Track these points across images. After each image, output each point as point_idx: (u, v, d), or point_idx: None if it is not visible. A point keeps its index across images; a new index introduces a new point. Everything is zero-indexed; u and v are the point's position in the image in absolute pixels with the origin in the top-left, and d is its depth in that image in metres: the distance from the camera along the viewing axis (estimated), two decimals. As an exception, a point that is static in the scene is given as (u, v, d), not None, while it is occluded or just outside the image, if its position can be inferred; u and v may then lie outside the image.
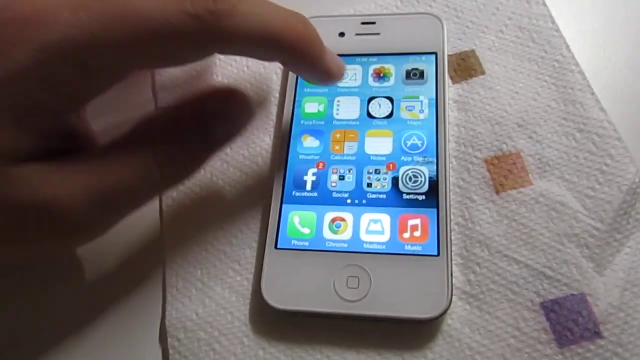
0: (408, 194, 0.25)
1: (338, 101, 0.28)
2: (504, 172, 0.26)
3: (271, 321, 0.24)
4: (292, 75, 0.29)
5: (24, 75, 0.19)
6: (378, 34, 0.29)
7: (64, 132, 0.22)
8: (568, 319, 0.23)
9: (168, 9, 0.19)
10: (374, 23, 0.29)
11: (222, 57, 0.32)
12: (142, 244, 0.27)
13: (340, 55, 0.29)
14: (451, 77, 0.29)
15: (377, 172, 0.26)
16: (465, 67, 0.29)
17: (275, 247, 0.25)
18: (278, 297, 0.24)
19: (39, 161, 0.20)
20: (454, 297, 0.23)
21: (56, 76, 0.19)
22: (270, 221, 0.25)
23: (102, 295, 0.26)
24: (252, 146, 0.29)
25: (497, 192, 0.26)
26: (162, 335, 0.25)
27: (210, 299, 0.25)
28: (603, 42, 0.30)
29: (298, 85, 0.29)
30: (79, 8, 0.19)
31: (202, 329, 0.25)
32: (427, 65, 0.28)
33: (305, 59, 0.23)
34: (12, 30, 0.19)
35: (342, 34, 0.29)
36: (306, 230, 0.25)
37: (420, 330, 0.23)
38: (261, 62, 0.31)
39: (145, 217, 0.27)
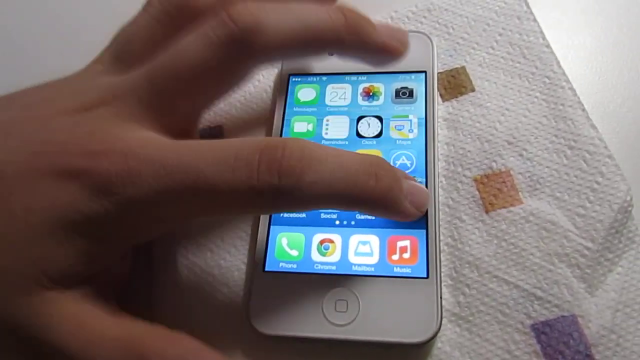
0: (397, 214, 0.25)
1: (327, 120, 0.28)
2: (494, 191, 0.26)
3: (259, 347, 0.24)
4: (281, 94, 0.29)
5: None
6: (367, 52, 0.29)
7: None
8: (559, 341, 0.23)
9: (236, 184, 0.19)
10: (363, 41, 0.29)
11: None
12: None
13: (328, 74, 0.29)
14: (441, 95, 0.29)
15: (366, 192, 0.26)
16: (455, 84, 0.29)
17: (263, 270, 0.25)
18: (266, 322, 0.23)
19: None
20: (443, 319, 0.23)
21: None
22: (258, 243, 0.25)
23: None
24: (242, 166, 0.29)
25: (487, 212, 0.25)
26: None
27: (196, 323, 0.25)
28: (594, 59, 0.29)
29: (287, 104, 0.29)
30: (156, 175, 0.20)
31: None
32: (416, 84, 0.28)
33: (379, 211, 0.23)
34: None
35: (331, 53, 0.29)
36: (294, 252, 0.25)
37: (410, 355, 0.23)
38: (251, 80, 0.31)
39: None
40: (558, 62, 0.28)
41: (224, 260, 0.27)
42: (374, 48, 0.24)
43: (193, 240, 0.27)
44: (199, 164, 0.20)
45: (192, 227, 0.27)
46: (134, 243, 0.23)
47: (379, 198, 0.21)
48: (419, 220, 0.24)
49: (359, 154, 0.22)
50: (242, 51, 0.22)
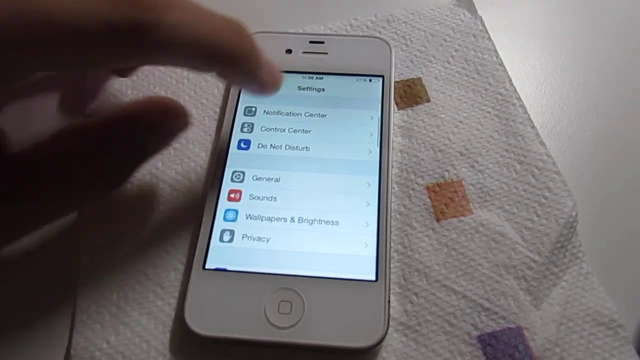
0: (348, 217, 0.24)
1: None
2: (445, 199, 0.26)
3: (193, 350, 0.22)
4: (233, 91, 0.28)
5: None
6: (326, 53, 0.29)
7: None
8: (505, 354, 0.22)
9: (84, 15, 0.17)
10: (322, 43, 0.29)
11: (162, 67, 0.30)
12: (52, 261, 0.25)
13: (286, 72, 0.28)
14: (397, 103, 0.28)
15: (316, 193, 0.25)
16: (411, 94, 0.29)
17: (203, 268, 0.23)
18: (202, 323, 0.22)
19: None
20: (390, 328, 0.22)
21: None
22: (199, 240, 0.24)
23: None
24: (187, 161, 0.27)
25: (438, 220, 0.25)
26: (67, 366, 0.23)
27: (125, 325, 0.23)
28: (543, 80, 0.30)
29: (240, 101, 0.28)
30: None
31: None
32: (373, 87, 0.27)
33: (240, 71, 0.21)
34: None
35: (289, 51, 0.29)
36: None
37: (354, 362, 0.22)
38: (202, 75, 0.30)
39: (58, 231, 0.25)
40: (510, 80, 0.29)
41: (160, 259, 0.25)
42: (255, 82, 0.23)
43: (125, 235, 0.25)
44: None
45: (122, 221, 0.25)
46: None
47: (241, 54, 0.20)
48: (371, 224, 0.24)
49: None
50: (132, 42, 0.18)
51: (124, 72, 0.28)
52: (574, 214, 0.25)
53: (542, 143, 0.27)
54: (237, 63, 0.21)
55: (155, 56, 0.19)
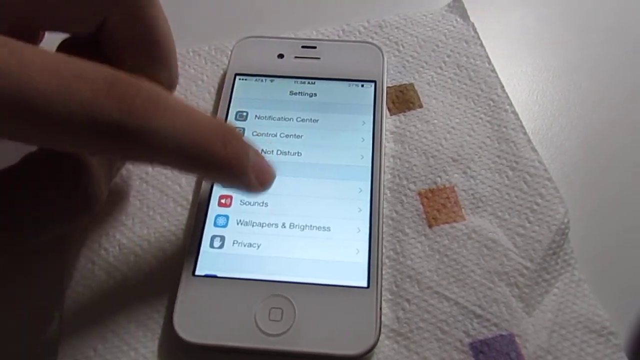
0: (339, 223, 0.24)
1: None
2: (438, 205, 0.25)
3: (182, 358, 0.22)
4: (225, 96, 0.28)
5: None
6: (318, 58, 0.28)
7: None
8: (497, 361, 0.22)
9: (72, 107, 0.16)
10: (314, 47, 0.29)
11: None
12: (39, 267, 0.25)
13: (277, 76, 0.28)
14: (389, 109, 0.28)
15: (308, 199, 0.25)
16: (403, 99, 0.29)
17: (193, 274, 0.23)
18: (192, 330, 0.21)
19: None
20: (381, 335, 0.22)
21: None
22: (189, 245, 0.23)
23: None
24: (178, 166, 0.27)
25: (430, 226, 0.25)
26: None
27: (112, 333, 0.23)
28: (535, 87, 0.30)
29: (231, 106, 0.27)
30: None
31: (100, 367, 0.22)
32: (366, 93, 0.27)
33: (223, 178, 0.21)
34: None
35: (281, 56, 0.29)
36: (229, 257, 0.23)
37: (345, 370, 0.22)
38: (194, 79, 0.30)
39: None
40: (502, 87, 0.29)
41: (149, 265, 0.24)
42: (239, 186, 0.22)
43: (115, 242, 0.25)
44: (31, 69, 0.16)
45: (111, 226, 0.25)
46: None
47: (224, 163, 0.20)
48: (363, 230, 0.23)
49: (214, 117, 0.20)
50: (112, 140, 0.17)
51: None
52: (565, 220, 0.25)
53: (534, 149, 0.27)
54: (219, 171, 0.20)
55: (134, 157, 0.19)
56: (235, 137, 0.20)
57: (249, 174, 0.21)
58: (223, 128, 0.20)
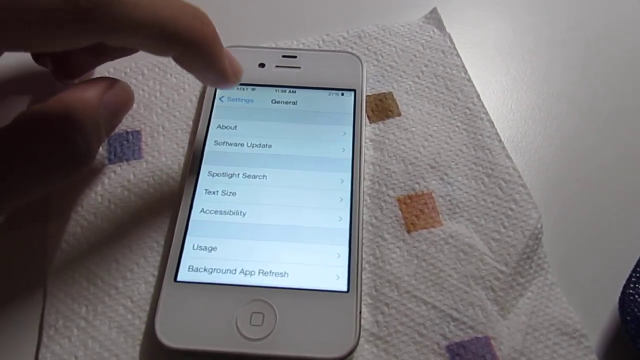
0: (320, 229, 0.24)
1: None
2: (416, 211, 0.26)
3: (164, 363, 0.22)
4: (207, 104, 0.28)
5: None
6: (299, 67, 0.29)
7: None
8: (473, 363, 0.23)
9: None
10: (295, 57, 0.29)
11: (135, 80, 0.30)
12: (19, 275, 0.25)
13: (259, 85, 0.28)
14: (368, 117, 0.29)
15: (289, 205, 0.25)
16: (382, 108, 0.29)
17: (175, 280, 0.23)
18: (173, 335, 0.21)
19: None
20: (361, 339, 0.22)
21: None
22: (171, 252, 0.24)
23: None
24: (159, 174, 0.27)
25: (409, 232, 0.26)
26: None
27: (94, 340, 0.23)
28: (510, 96, 0.31)
29: (213, 114, 0.28)
30: None
31: (81, 374, 0.22)
32: (346, 101, 0.28)
33: (201, 57, 0.21)
34: None
35: (262, 65, 0.29)
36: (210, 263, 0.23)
37: (325, 374, 0.22)
38: (175, 88, 0.30)
39: (26, 243, 0.25)
40: (478, 95, 0.30)
41: (131, 272, 0.24)
42: (215, 71, 0.22)
43: (96, 249, 0.25)
44: None
45: (93, 234, 0.25)
46: None
47: (203, 40, 0.20)
48: (342, 235, 0.24)
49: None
50: (87, 18, 0.18)
51: (72, 74, 0.27)
52: (539, 225, 0.26)
53: (508, 157, 0.28)
54: (197, 47, 0.20)
55: (113, 34, 0.19)
56: (208, 20, 0.21)
57: (224, 58, 0.21)
58: (198, 10, 0.20)
